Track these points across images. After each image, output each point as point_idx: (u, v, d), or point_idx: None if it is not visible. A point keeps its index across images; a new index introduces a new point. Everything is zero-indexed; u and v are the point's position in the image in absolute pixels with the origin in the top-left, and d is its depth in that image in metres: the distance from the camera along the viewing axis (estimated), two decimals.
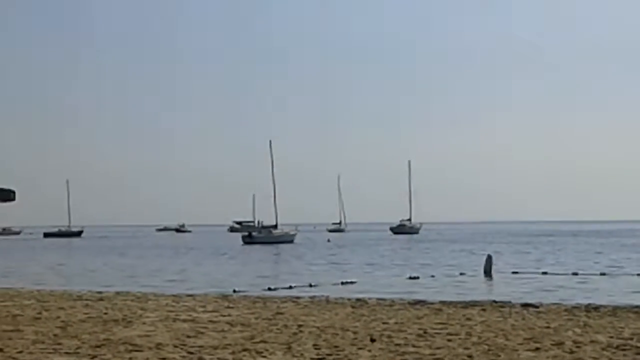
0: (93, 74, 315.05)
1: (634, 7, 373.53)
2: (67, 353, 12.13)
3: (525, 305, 20.55)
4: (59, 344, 13.02)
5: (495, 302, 21.85)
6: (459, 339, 13.66)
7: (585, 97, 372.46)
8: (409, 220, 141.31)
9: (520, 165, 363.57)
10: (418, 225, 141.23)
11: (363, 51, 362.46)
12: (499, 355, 11.91)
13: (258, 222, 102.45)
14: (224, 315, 17.65)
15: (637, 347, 12.71)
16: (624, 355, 12.05)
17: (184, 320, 16.53)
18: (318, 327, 15.25)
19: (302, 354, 12.00)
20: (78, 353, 12.12)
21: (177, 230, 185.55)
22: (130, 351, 12.28)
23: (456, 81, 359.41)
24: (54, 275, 40.51)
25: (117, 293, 25.53)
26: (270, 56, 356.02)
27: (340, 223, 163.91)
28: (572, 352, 12.23)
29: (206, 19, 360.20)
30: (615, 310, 19.38)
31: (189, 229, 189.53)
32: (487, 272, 36.31)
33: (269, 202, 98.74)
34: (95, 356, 11.87)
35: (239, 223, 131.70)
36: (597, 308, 19.93)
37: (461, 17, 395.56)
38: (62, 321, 16.34)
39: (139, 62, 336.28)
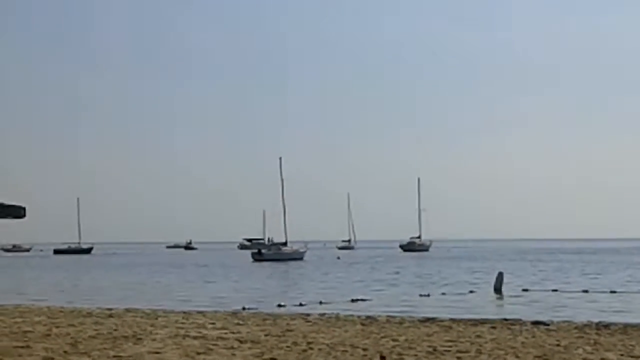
0: (102, 92, 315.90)
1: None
2: None
3: (536, 323, 20.49)
4: None
5: (505, 319, 21.78)
6: (469, 356, 13.64)
7: (591, 115, 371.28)
8: (419, 237, 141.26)
9: (528, 182, 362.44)
10: (428, 243, 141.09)
11: (373, 67, 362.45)
12: None
13: (268, 239, 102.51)
14: (234, 332, 17.64)
15: None
16: None
17: (194, 337, 16.53)
18: (328, 345, 15.23)
19: None
20: None
21: (186, 248, 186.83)
22: None
23: (463, 97, 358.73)
24: (64, 292, 40.54)
25: (127, 310, 25.54)
26: (281, 72, 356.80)
27: (349, 240, 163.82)
28: None
29: (215, 31, 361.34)
30: (625, 328, 19.31)
31: (195, 245, 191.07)
32: (498, 290, 36.22)
33: (279, 220, 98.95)
34: None
35: (249, 240, 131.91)
36: (607, 326, 19.85)
37: (467, 33, 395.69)
38: (72, 338, 16.35)
39: (150, 78, 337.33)
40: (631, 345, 15.46)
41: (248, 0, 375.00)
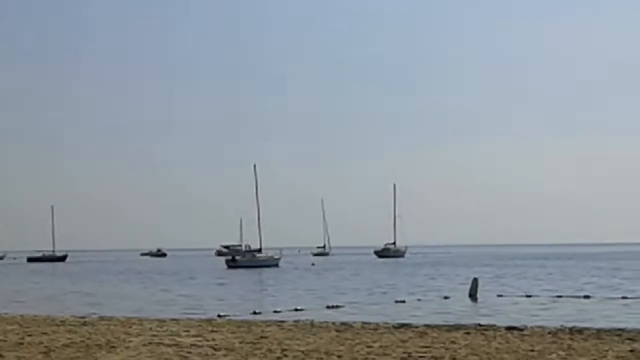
0: (78, 97, 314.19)
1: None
2: None
3: (510, 329, 20.56)
4: None
5: (479, 325, 21.85)
6: None
7: (576, 121, 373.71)
8: (394, 243, 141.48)
9: (504, 188, 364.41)
10: (403, 249, 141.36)
11: (350, 72, 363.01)
12: None
13: (245, 246, 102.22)
14: (208, 340, 17.58)
15: None
16: None
17: (168, 345, 16.46)
18: (302, 352, 15.22)
19: None
20: None
21: (157, 254, 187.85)
22: None
23: (443, 103, 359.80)
24: (37, 300, 40.25)
25: (101, 318, 25.40)
26: (256, 79, 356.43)
27: (324, 247, 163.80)
28: None
29: (196, 38, 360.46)
30: (599, 333, 19.42)
31: (166, 252, 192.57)
32: (473, 295, 36.35)
33: (256, 226, 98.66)
34: None
35: (227, 247, 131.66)
36: (581, 331, 19.95)
37: (451, 37, 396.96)
38: (45, 347, 16.24)
39: (130, 86, 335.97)
40: (604, 350, 15.55)
41: (227, 8, 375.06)
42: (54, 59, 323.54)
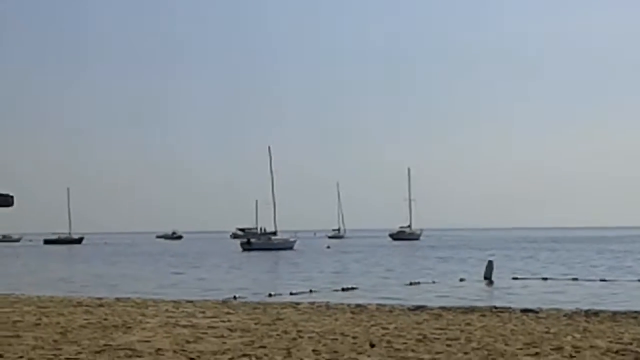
0: (91, 80, 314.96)
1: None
2: (66, 359, 12.12)
3: (525, 311, 20.56)
4: (59, 349, 13.01)
5: (495, 307, 21.86)
6: (459, 344, 13.66)
7: (586, 108, 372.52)
8: (409, 226, 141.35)
9: (519, 172, 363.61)
10: (418, 232, 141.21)
11: (363, 57, 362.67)
12: None
13: (261, 228, 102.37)
14: (224, 321, 17.64)
15: (637, 352, 12.70)
16: None
17: (184, 326, 16.52)
18: (318, 333, 15.24)
19: (301, 359, 12.00)
20: (78, 358, 12.11)
21: (172, 237, 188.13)
22: (130, 356, 12.27)
23: (457, 88, 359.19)
24: (54, 282, 40.47)
25: (117, 299, 25.51)
26: (269, 61, 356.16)
27: (339, 230, 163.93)
28: (571, 357, 12.23)
29: (206, 21, 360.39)
30: (614, 315, 19.39)
31: (182, 235, 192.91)
32: (488, 278, 36.34)
33: (271, 209, 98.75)
34: None
35: (242, 230, 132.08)
36: (596, 313, 19.93)
37: (463, 24, 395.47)
38: (62, 327, 16.32)
39: (143, 72, 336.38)
40: (620, 332, 15.51)
41: None
42: (68, 45, 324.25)
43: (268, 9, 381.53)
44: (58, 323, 17.19)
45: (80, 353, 12.60)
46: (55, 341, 14.02)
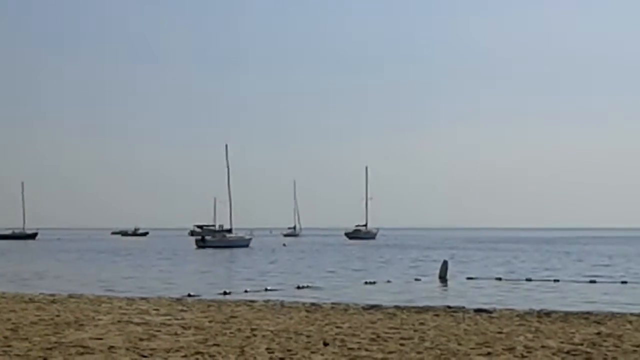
0: (52, 74, 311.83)
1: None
2: (17, 355, 12.00)
3: (479, 311, 20.70)
4: (9, 346, 12.88)
5: (449, 307, 21.99)
6: (412, 343, 13.73)
7: (559, 109, 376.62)
8: (365, 225, 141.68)
9: (476, 172, 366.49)
10: (374, 231, 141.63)
11: (323, 55, 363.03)
12: None
13: (219, 226, 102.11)
14: (178, 319, 17.57)
15: (587, 352, 12.85)
16: None
17: (137, 324, 16.42)
18: (272, 331, 15.24)
19: (255, 358, 11.98)
20: (28, 355, 11.99)
21: (134, 234, 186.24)
22: (82, 354, 12.17)
23: (418, 88, 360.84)
24: (5, 278, 39.97)
25: (70, 296, 25.29)
26: (228, 61, 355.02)
27: (295, 228, 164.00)
28: (523, 357, 12.35)
29: (160, 17, 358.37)
30: (566, 316, 19.59)
31: (144, 231, 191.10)
32: (443, 278, 36.53)
33: (227, 207, 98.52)
34: (46, 358, 11.76)
35: (200, 227, 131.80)
36: (548, 314, 20.12)
37: (428, 26, 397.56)
38: (13, 323, 16.16)
39: (101, 64, 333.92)
40: (571, 332, 15.68)
41: None
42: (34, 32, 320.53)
43: (233, 9, 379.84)
44: (9, 319, 17.01)
45: (30, 350, 12.48)
46: (5, 337, 13.88)
